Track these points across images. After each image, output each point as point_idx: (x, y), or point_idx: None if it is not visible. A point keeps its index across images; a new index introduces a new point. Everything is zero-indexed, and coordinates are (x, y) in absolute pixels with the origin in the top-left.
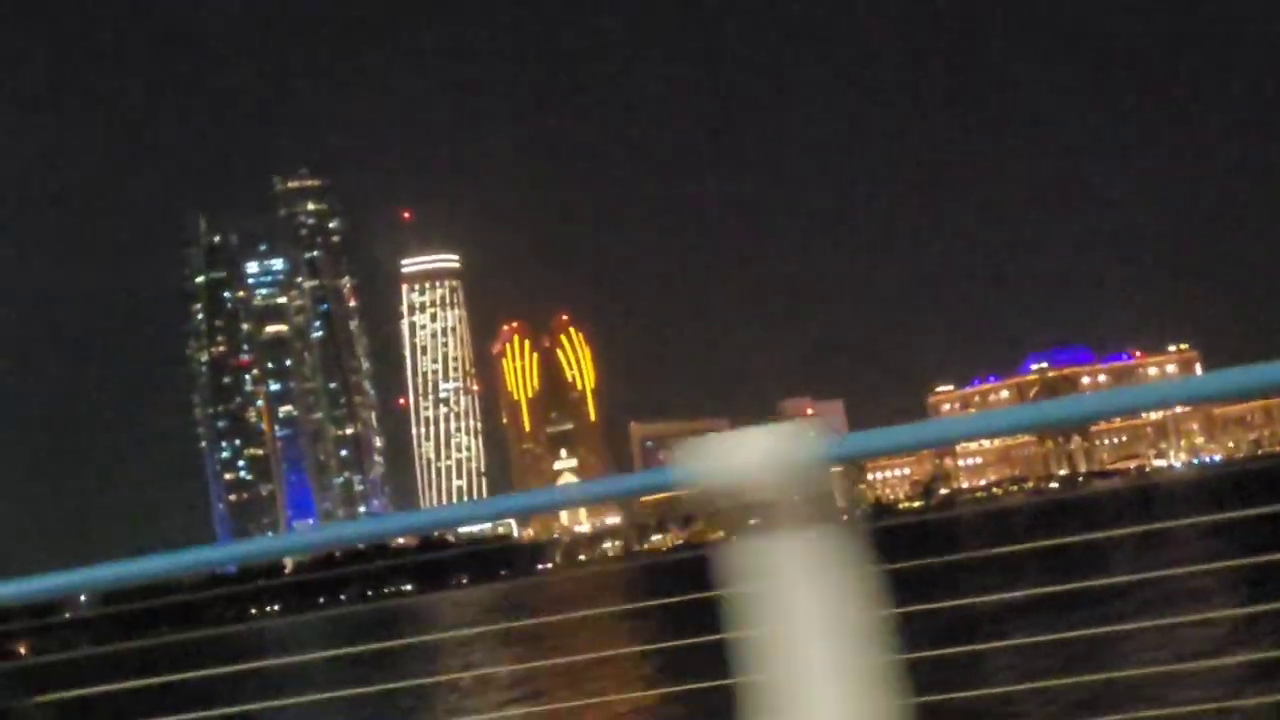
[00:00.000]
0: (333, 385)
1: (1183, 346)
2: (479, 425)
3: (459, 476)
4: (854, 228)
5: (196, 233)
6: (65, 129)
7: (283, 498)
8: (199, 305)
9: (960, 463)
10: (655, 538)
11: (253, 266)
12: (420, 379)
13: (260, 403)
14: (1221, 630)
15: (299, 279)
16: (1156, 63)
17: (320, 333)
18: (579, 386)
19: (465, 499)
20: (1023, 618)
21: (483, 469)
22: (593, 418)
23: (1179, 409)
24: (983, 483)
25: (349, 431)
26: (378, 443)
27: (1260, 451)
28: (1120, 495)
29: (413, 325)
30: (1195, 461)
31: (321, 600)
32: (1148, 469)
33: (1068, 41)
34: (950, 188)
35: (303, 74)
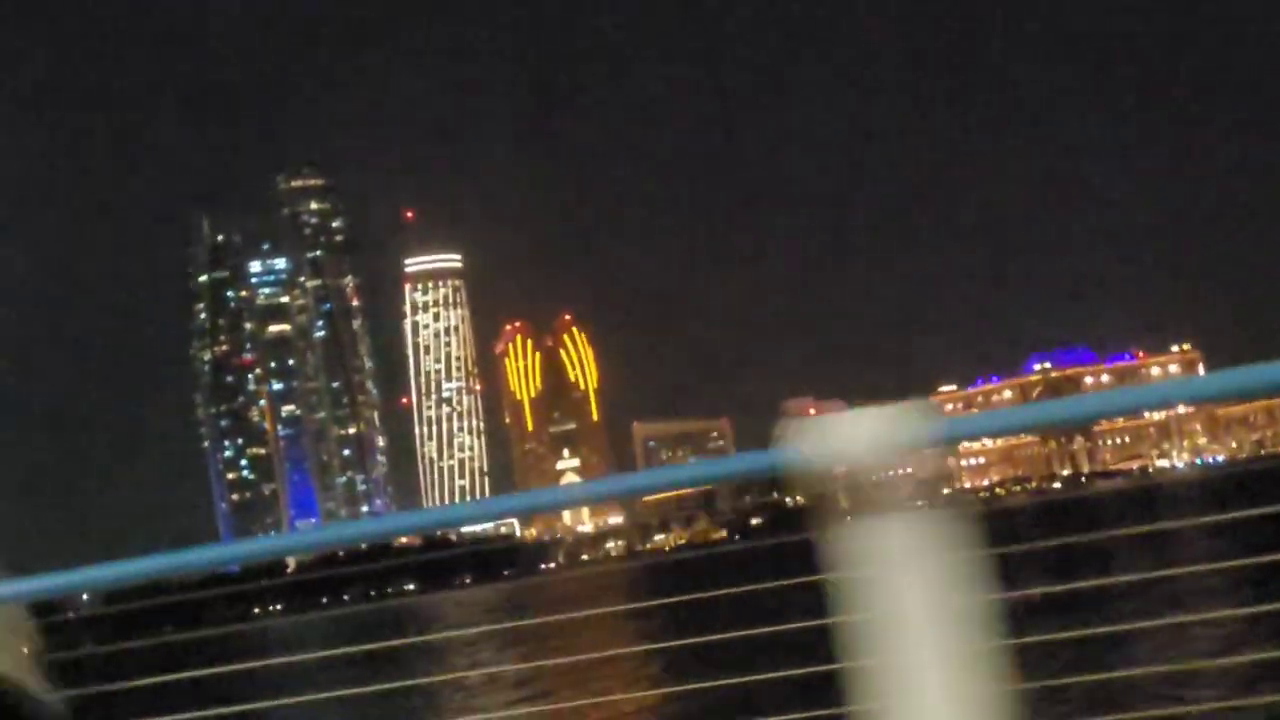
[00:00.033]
0: (335, 385)
1: (1185, 347)
2: (482, 425)
3: (462, 476)
4: (856, 227)
5: (199, 232)
6: (68, 129)
7: (285, 497)
8: (202, 304)
9: (963, 462)
10: (658, 537)
11: (255, 266)
12: (423, 378)
13: (263, 402)
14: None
15: (302, 278)
16: (1159, 62)
17: (323, 332)
18: (582, 386)
19: (468, 499)
20: (1130, 601)
21: (485, 469)
22: (595, 417)
23: (1182, 409)
24: (985, 482)
25: (352, 431)
26: (380, 442)
27: (1263, 452)
28: (1125, 494)
29: (415, 325)
30: (1198, 462)
31: (324, 600)
32: (1150, 469)
33: (1069, 41)
34: (953, 187)
35: (305, 73)
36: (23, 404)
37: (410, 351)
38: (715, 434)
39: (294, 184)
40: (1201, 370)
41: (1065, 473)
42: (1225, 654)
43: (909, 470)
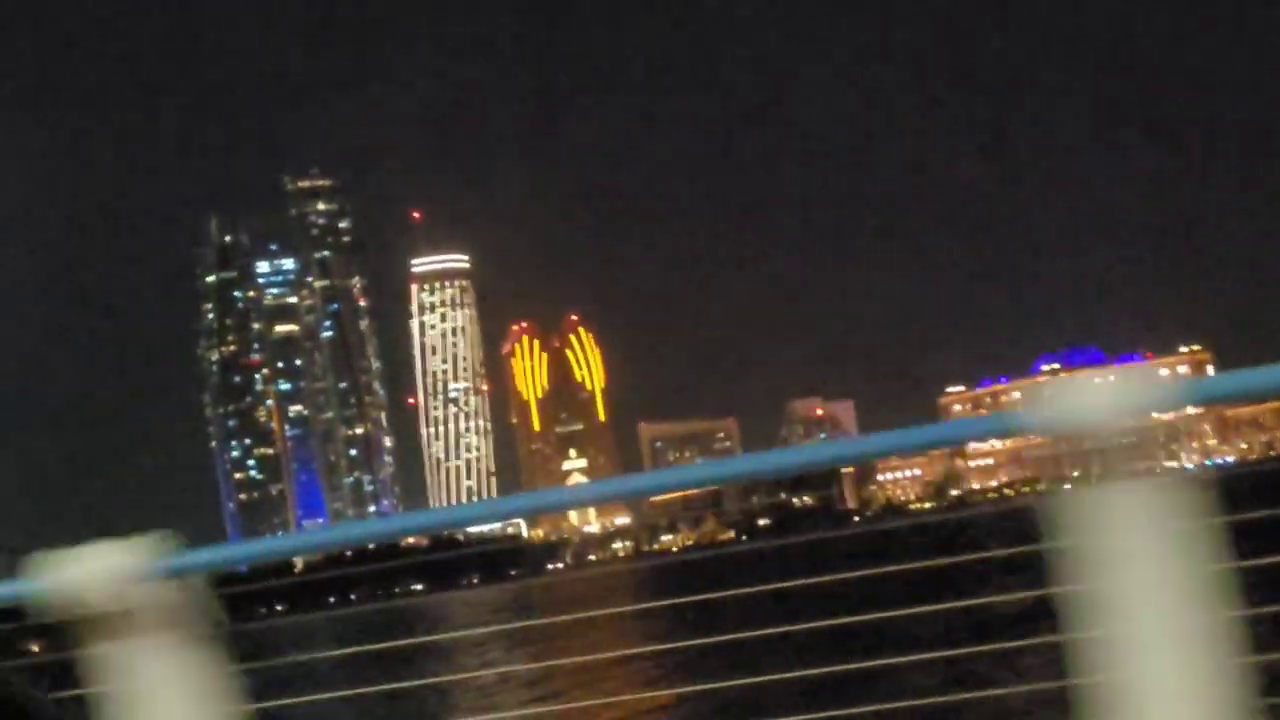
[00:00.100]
0: (343, 385)
1: (1194, 347)
2: (488, 425)
3: (469, 476)
4: (864, 227)
5: (207, 232)
6: (76, 130)
7: (292, 497)
8: (209, 305)
9: (971, 464)
10: (665, 538)
11: (263, 266)
12: (430, 379)
13: (270, 402)
14: None
15: (309, 279)
16: (1165, 61)
17: (330, 332)
18: (588, 387)
19: (475, 499)
20: None
21: (492, 469)
22: (602, 418)
23: (1191, 410)
24: (994, 484)
25: (359, 431)
26: (387, 442)
27: (1273, 453)
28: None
29: (422, 325)
30: (1208, 463)
31: (331, 600)
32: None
33: (1073, 41)
34: (960, 186)
35: (314, 74)
36: (31, 404)
37: (417, 352)
38: (721, 434)
39: (302, 184)
40: (1210, 371)
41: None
42: None
43: (1142, 434)
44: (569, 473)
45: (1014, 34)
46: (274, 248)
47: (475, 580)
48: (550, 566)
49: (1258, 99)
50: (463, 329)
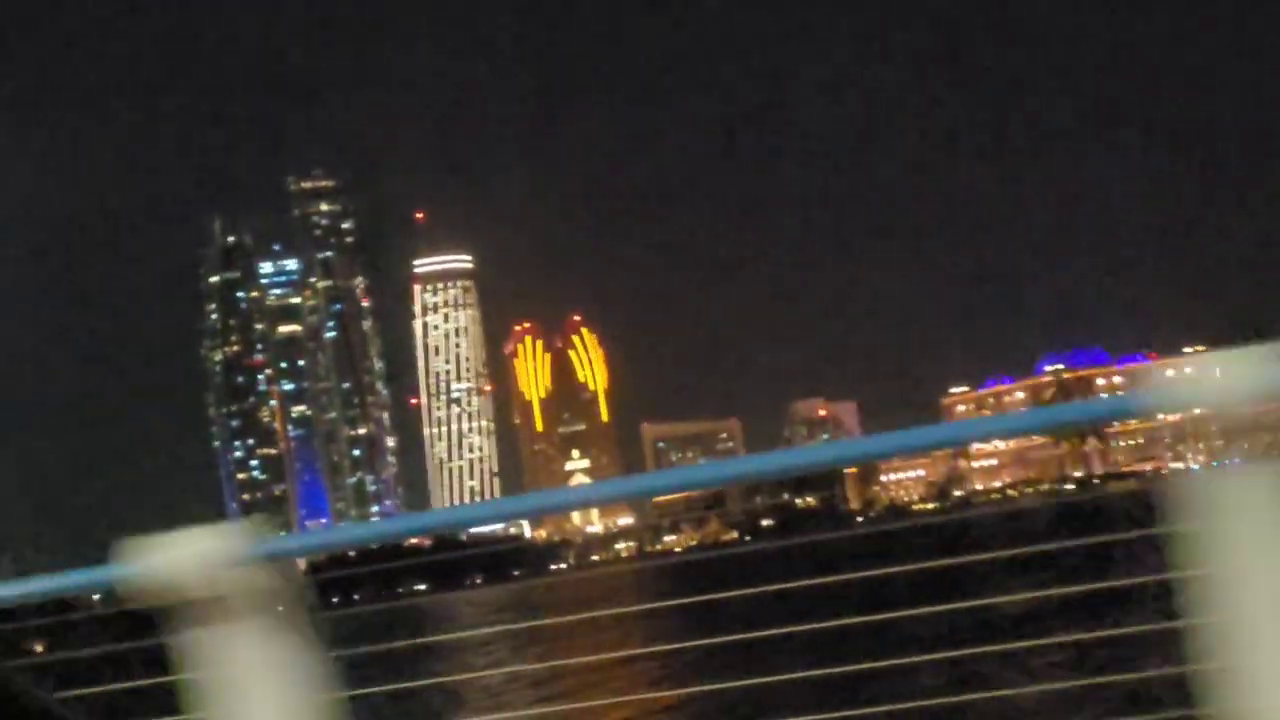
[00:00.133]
0: (346, 385)
1: (1199, 348)
2: (491, 425)
3: (471, 477)
4: (866, 227)
5: (211, 233)
6: (79, 129)
7: (296, 498)
8: (213, 305)
9: (974, 464)
10: (668, 538)
11: (267, 266)
12: (433, 379)
13: (273, 403)
14: None
15: (313, 279)
16: (1169, 59)
17: (333, 333)
18: (591, 387)
19: (478, 499)
20: None
21: (495, 469)
22: (605, 418)
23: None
24: (997, 484)
25: (362, 432)
26: (390, 443)
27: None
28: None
29: (425, 325)
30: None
31: (335, 599)
32: (1164, 471)
33: (1074, 41)
34: (963, 186)
35: (316, 74)
36: (33, 404)
37: (420, 352)
38: (724, 435)
39: (305, 185)
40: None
41: (1078, 475)
42: None
43: (1261, 417)
44: (572, 473)
45: (1015, 34)
46: (277, 248)
47: (479, 580)
48: (553, 567)
49: (1260, 98)
50: (465, 329)
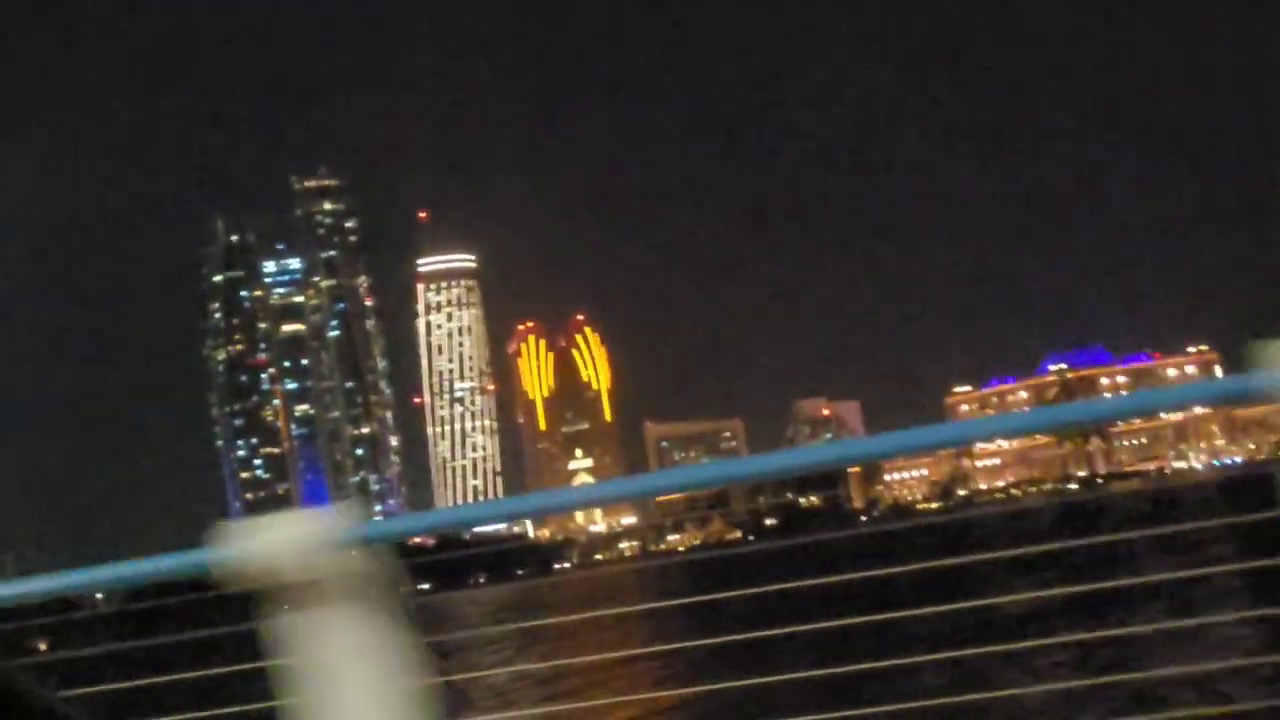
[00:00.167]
0: (349, 384)
1: (1202, 348)
2: (495, 425)
3: (475, 476)
4: (869, 227)
5: (214, 232)
6: (83, 129)
7: (299, 497)
8: (216, 304)
9: (978, 464)
10: (672, 537)
11: (270, 265)
12: (436, 378)
13: (277, 402)
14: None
15: (316, 278)
16: (1173, 59)
17: (337, 332)
18: (594, 386)
19: (481, 498)
20: None
21: (498, 468)
22: (608, 418)
23: (1199, 410)
24: (1001, 484)
25: (365, 431)
26: (394, 442)
27: None
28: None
29: (429, 324)
30: (1216, 463)
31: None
32: (1168, 471)
33: (1077, 40)
34: (966, 186)
35: (320, 74)
36: (35, 403)
37: (424, 351)
38: (727, 434)
39: (308, 184)
40: (1218, 371)
41: (1081, 474)
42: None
43: None
44: (575, 472)
45: (1015, 34)
46: (281, 247)
47: (482, 580)
48: (557, 566)
49: (1261, 97)
50: (469, 328)
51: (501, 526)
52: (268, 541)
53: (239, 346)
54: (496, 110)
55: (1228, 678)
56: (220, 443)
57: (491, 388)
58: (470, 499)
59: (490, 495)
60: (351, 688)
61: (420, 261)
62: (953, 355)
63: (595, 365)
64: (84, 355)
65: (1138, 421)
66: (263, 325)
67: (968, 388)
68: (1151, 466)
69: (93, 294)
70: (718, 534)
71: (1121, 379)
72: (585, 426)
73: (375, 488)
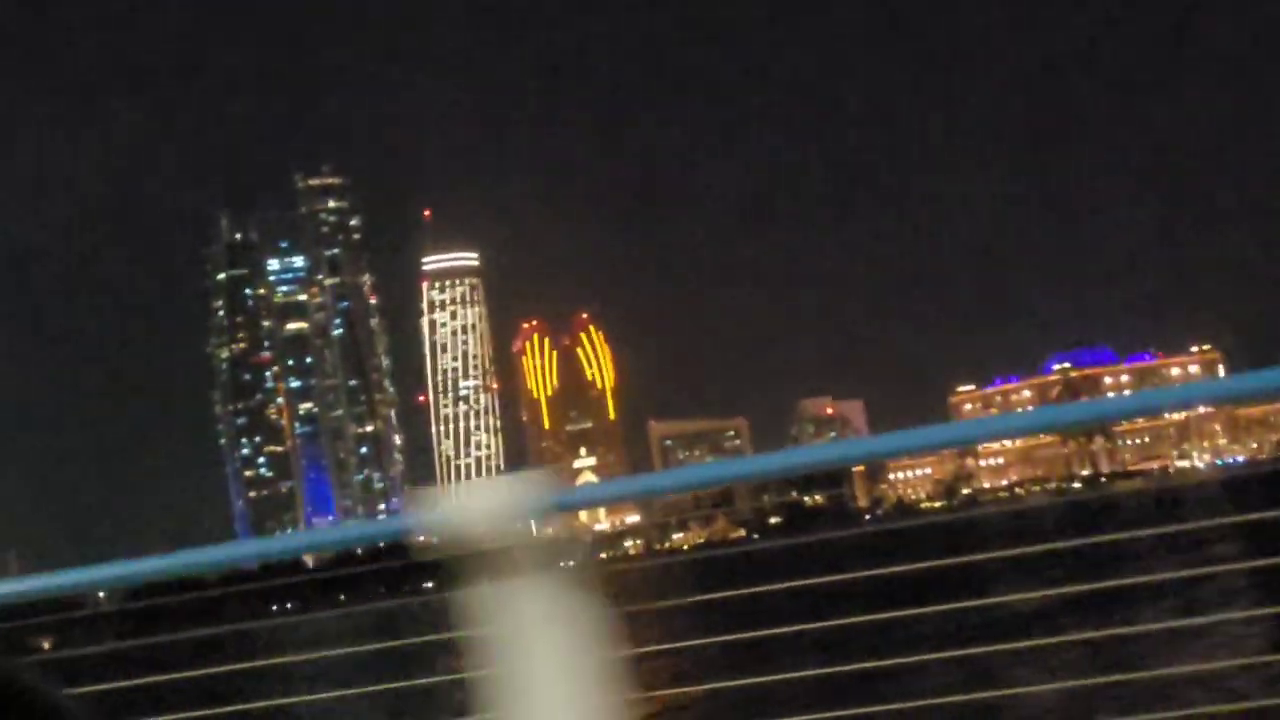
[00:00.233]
0: (353, 383)
1: (1205, 347)
2: (498, 423)
3: (479, 474)
4: (873, 227)
5: (218, 229)
6: (85, 127)
7: (302, 495)
8: (220, 302)
9: (982, 462)
10: (676, 536)
11: (274, 263)
12: (440, 377)
13: (280, 400)
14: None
15: (320, 276)
16: (1178, 60)
17: (340, 330)
18: (598, 385)
19: None
20: None
21: (502, 467)
22: (612, 416)
23: (1202, 410)
24: (1004, 483)
25: (369, 429)
26: (397, 440)
27: None
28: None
29: (433, 323)
30: (1219, 462)
31: (342, 597)
32: (1171, 470)
33: (1078, 40)
34: (968, 186)
35: (324, 72)
36: (38, 401)
37: (427, 350)
38: (731, 433)
39: (312, 182)
40: (1221, 371)
41: (1085, 473)
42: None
43: None
44: (579, 471)
45: (1016, 34)
46: (284, 245)
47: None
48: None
49: (1262, 96)
50: (473, 327)
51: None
52: (464, 508)
53: (242, 344)
54: (501, 108)
55: (1234, 676)
56: (223, 441)
57: (495, 386)
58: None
59: None
60: (543, 659)
61: (424, 259)
62: (957, 354)
63: (599, 364)
64: (87, 353)
65: (1141, 420)
66: (266, 323)
67: (971, 387)
68: (1155, 465)
69: (96, 291)
70: (722, 533)
71: (1125, 378)
72: (589, 425)
73: (378, 486)
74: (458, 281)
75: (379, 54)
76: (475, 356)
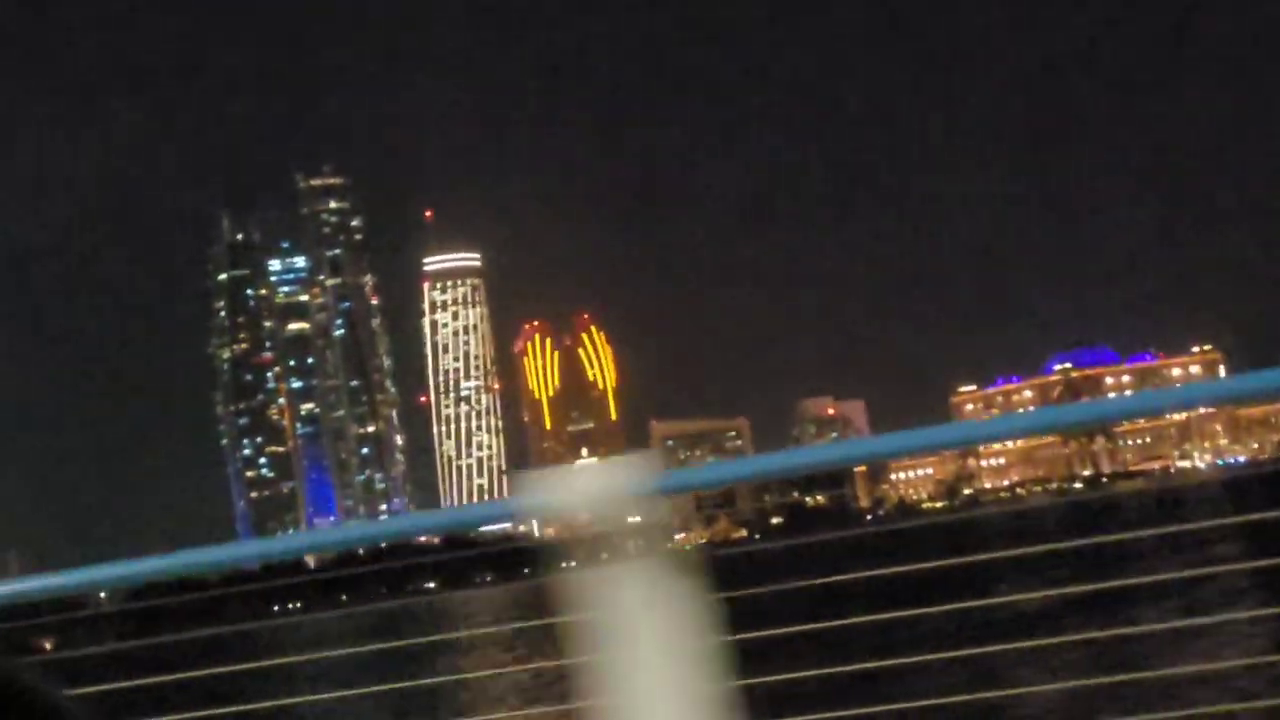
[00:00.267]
0: (354, 383)
1: (1206, 347)
2: (500, 423)
3: (480, 475)
4: (874, 227)
5: (219, 230)
6: (86, 127)
7: (304, 495)
8: (221, 302)
9: (983, 463)
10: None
11: (275, 264)
12: (441, 377)
13: (282, 400)
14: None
15: (321, 277)
16: (1178, 60)
17: (342, 330)
18: (600, 385)
19: (486, 497)
20: None
21: (504, 467)
22: (613, 416)
23: (1203, 410)
24: (1006, 483)
25: (370, 429)
26: (399, 441)
27: None
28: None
29: (434, 323)
30: (1220, 463)
31: (344, 597)
32: (1172, 470)
33: (1079, 40)
34: (970, 186)
35: (326, 73)
36: (40, 402)
37: (429, 350)
38: (733, 433)
39: (314, 183)
40: (1222, 371)
41: (1086, 473)
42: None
43: None
44: None
45: (1017, 34)
46: (286, 246)
47: (488, 579)
48: (562, 565)
49: (1262, 96)
50: (474, 327)
51: (508, 525)
52: (568, 492)
53: (244, 345)
54: (501, 108)
55: (1237, 676)
56: (225, 441)
57: (497, 386)
58: (475, 499)
59: (495, 494)
60: (645, 644)
61: (426, 260)
62: (957, 355)
63: (601, 364)
64: (87, 353)
65: (1142, 421)
66: (268, 324)
67: (973, 387)
68: (1156, 465)
69: (96, 292)
70: (724, 533)
71: (1126, 379)
72: (590, 425)
73: (380, 486)
74: (459, 282)
75: (379, 54)
76: (476, 357)
